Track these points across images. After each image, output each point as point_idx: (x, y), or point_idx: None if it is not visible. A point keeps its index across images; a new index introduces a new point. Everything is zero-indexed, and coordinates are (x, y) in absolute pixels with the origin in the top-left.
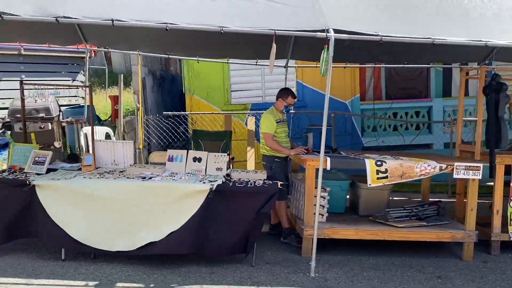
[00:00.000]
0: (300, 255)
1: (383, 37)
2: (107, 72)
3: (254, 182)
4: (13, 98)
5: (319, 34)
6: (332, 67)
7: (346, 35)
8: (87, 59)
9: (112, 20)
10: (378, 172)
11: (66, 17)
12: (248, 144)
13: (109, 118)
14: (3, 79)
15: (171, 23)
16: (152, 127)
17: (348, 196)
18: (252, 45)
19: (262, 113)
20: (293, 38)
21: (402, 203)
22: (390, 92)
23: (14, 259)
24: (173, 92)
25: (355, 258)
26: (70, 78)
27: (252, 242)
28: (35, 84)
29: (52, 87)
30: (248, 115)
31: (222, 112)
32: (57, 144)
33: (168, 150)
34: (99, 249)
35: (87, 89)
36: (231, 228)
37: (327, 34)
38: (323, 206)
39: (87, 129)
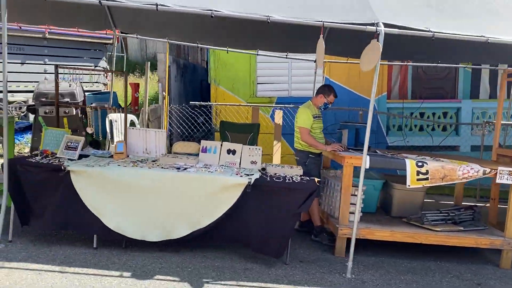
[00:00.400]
0: (333, 254)
1: (435, 33)
2: (125, 59)
3: (292, 178)
4: (38, 82)
5: (368, 28)
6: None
7: (397, 30)
8: (115, 45)
9: (156, 5)
10: (418, 173)
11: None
12: (274, 138)
13: (129, 105)
14: (26, 62)
15: (216, 10)
16: (175, 116)
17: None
18: (283, 38)
19: (289, 107)
20: (326, 31)
21: (431, 205)
22: (416, 91)
23: (46, 245)
24: (194, 82)
25: (389, 260)
26: (92, 64)
27: (286, 242)
28: (70, 68)
29: (86, 72)
30: (275, 109)
31: (250, 104)
32: (89, 130)
33: (201, 141)
34: (133, 239)
35: (116, 74)
36: (266, 224)
37: (377, 28)
38: None
39: (112, 116)
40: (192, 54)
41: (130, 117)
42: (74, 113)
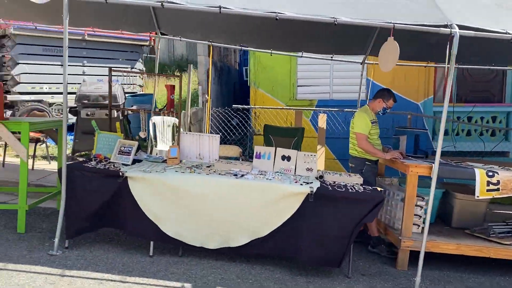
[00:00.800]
0: (394, 267)
1: None
2: (157, 60)
3: (353, 187)
4: (77, 83)
5: (442, 30)
6: (407, 65)
7: (472, 32)
8: (158, 47)
9: (220, 7)
10: (488, 183)
11: (171, 2)
12: (318, 143)
13: (164, 107)
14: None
15: (280, 13)
16: (216, 119)
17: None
18: (327, 39)
19: (334, 110)
20: (376, 32)
21: (492, 216)
22: (461, 94)
23: (102, 252)
24: (229, 84)
25: (454, 274)
26: (128, 66)
27: (345, 254)
28: (122, 71)
29: (137, 75)
30: (319, 112)
31: (293, 108)
32: (142, 134)
33: (255, 146)
34: (190, 245)
35: (176, 78)
36: (327, 235)
37: (452, 30)
38: (420, 216)
39: (155, 119)
40: (226, 55)
41: (173, 120)
42: (115, 116)
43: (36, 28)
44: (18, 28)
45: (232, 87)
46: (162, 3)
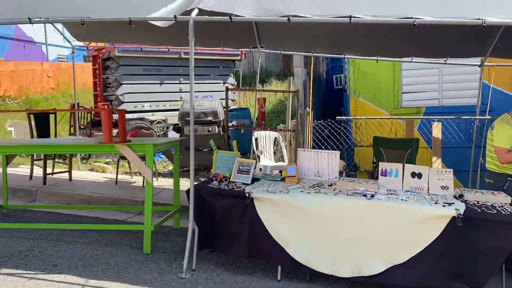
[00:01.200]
0: None
1: None
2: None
3: (504, 208)
4: (177, 100)
5: None
6: None
7: None
8: (259, 62)
9: (350, 17)
10: None
11: (296, 16)
12: (433, 154)
13: (255, 119)
14: (164, 82)
15: (417, 18)
16: (318, 132)
17: None
18: (438, 41)
19: (449, 118)
20: (500, 31)
21: None
22: None
23: (228, 275)
24: (320, 94)
25: None
26: (221, 81)
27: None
28: (241, 90)
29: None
30: (432, 121)
31: (403, 117)
32: (259, 153)
33: (380, 163)
34: (320, 272)
35: (290, 94)
36: (473, 262)
37: None
38: None
39: (258, 133)
40: (315, 64)
41: (274, 134)
42: (217, 131)
43: (142, 49)
44: (121, 51)
45: (322, 96)
46: (288, 18)
